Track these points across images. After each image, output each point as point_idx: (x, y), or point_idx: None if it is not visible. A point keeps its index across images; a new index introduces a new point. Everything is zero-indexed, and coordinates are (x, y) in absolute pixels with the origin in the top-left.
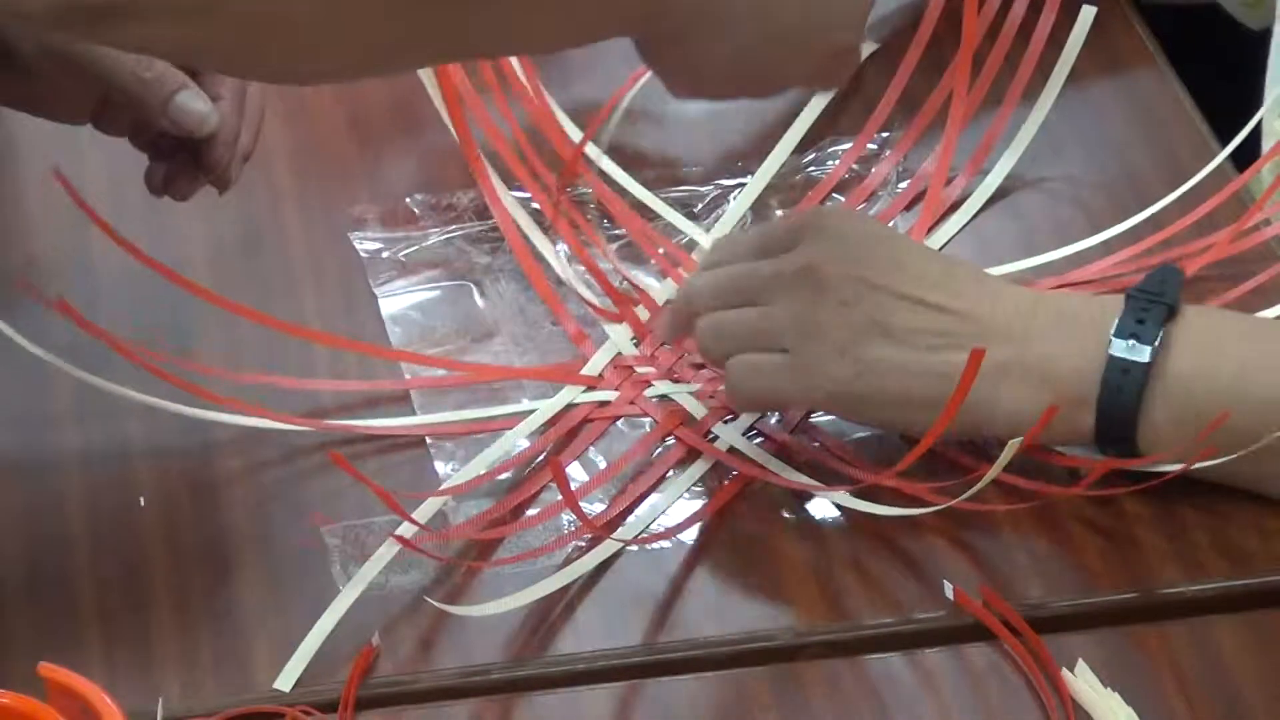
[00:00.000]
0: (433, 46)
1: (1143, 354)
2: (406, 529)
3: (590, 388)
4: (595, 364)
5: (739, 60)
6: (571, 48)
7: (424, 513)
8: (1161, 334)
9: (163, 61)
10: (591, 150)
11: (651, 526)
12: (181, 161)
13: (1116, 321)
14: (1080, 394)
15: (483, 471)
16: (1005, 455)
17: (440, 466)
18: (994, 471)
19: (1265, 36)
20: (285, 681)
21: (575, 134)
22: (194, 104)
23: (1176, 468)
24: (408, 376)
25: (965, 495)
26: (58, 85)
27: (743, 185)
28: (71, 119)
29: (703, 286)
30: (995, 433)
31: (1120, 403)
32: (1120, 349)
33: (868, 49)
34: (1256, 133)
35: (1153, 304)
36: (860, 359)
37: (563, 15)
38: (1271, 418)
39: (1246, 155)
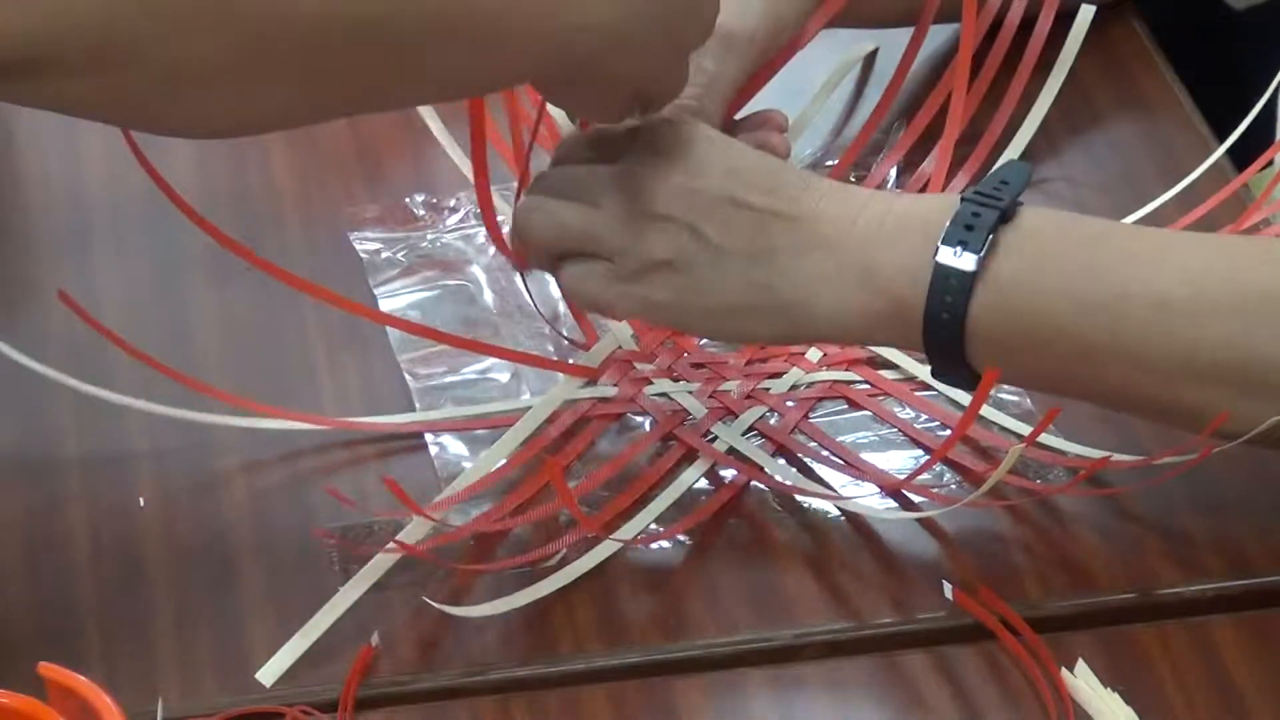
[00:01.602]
0: (350, 98)
1: (968, 262)
2: (409, 528)
3: (589, 381)
4: (594, 355)
5: (624, 80)
6: (488, 94)
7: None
8: (990, 240)
9: None
10: None
11: (651, 526)
12: None
13: (947, 226)
14: (906, 299)
15: (482, 475)
16: (1008, 460)
17: (439, 463)
18: (996, 476)
19: (1267, 37)
20: (268, 676)
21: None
22: None
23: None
24: (408, 377)
25: (965, 501)
26: None
27: None
28: None
29: (539, 183)
30: (819, 337)
31: (947, 308)
32: (947, 256)
33: (867, 49)
34: (1257, 134)
35: (985, 208)
36: (678, 271)
37: (474, 69)
38: (1101, 325)
39: (1247, 156)
